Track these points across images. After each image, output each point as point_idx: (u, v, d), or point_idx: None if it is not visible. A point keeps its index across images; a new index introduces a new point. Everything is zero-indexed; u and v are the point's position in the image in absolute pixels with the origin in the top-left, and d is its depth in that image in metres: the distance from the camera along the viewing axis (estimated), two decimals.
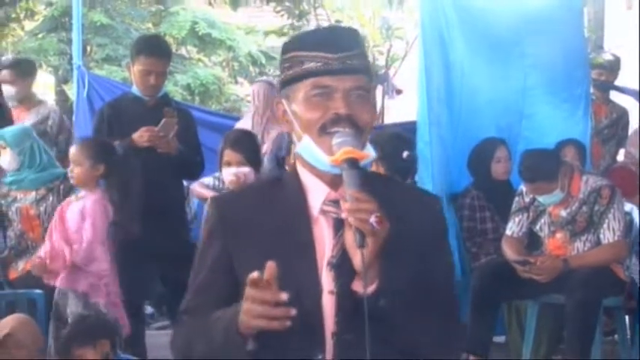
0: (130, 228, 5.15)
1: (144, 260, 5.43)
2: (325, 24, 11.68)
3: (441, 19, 6.20)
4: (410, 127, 6.34)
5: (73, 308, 4.85)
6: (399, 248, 2.07)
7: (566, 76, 6.53)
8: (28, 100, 6.83)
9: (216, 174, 5.57)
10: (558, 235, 5.46)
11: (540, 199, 5.42)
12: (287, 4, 11.66)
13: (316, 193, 2.15)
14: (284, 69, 2.19)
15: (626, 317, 5.80)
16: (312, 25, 11.80)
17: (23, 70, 6.79)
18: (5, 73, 6.65)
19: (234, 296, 2.10)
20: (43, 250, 5.09)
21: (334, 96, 2.12)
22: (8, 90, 6.63)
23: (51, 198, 5.67)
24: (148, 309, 6.81)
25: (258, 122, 6.69)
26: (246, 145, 5.01)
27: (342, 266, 2.07)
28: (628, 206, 5.82)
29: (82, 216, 4.93)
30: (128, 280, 5.40)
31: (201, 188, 5.76)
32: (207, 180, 5.71)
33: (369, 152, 2.13)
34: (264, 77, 8.53)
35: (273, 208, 2.18)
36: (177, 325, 2.32)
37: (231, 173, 4.87)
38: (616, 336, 5.93)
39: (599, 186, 5.35)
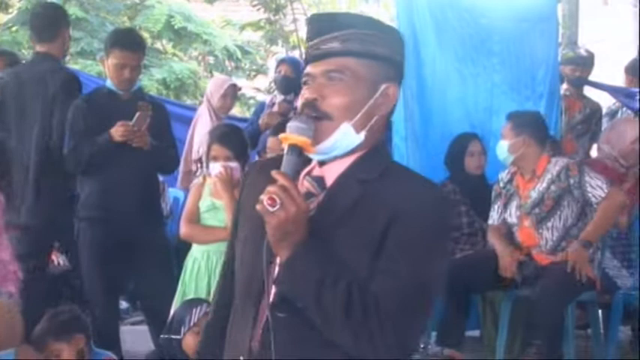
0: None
1: (118, 255, 5.41)
2: (302, 18, 11.67)
3: (414, 15, 6.22)
4: None
5: None
6: (365, 238, 2.04)
7: (528, 74, 6.59)
8: None
9: None
10: (526, 223, 5.51)
11: (500, 144, 5.53)
12: None
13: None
14: None
15: (600, 311, 5.85)
16: (288, 20, 11.78)
17: (10, 60, 6.67)
18: None
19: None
20: None
21: (309, 83, 2.15)
22: None
23: None
24: (123, 304, 6.79)
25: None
26: (234, 140, 4.99)
27: None
28: None
29: None
30: (103, 275, 5.40)
31: None
32: None
33: (305, 138, 2.06)
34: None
35: (266, 182, 2.17)
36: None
37: (219, 166, 4.86)
38: (589, 330, 5.97)
39: (567, 163, 5.46)
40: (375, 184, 2.11)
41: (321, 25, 2.17)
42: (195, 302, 4.45)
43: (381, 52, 2.17)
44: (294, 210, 1.99)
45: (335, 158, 2.14)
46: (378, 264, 2.03)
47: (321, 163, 2.16)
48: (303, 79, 2.17)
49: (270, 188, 2.00)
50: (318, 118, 2.10)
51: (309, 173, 2.17)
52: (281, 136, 2.10)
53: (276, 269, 2.08)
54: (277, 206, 1.98)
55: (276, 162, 2.13)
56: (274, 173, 2.02)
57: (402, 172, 2.20)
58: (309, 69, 2.16)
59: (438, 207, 2.11)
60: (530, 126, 5.53)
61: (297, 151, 2.07)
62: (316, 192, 2.13)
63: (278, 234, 2.01)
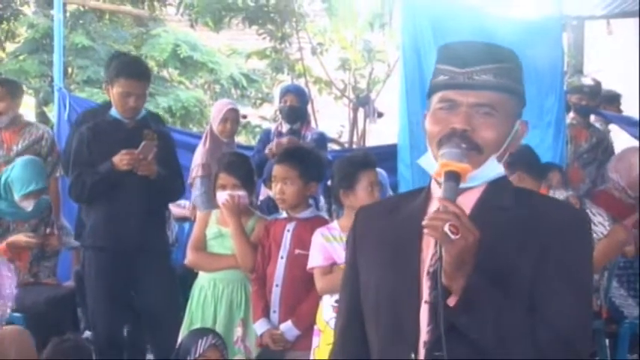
0: None
1: (124, 284, 5.40)
2: (307, 47, 11.68)
3: (419, 44, 6.22)
4: (391, 150, 6.35)
5: None
6: (520, 265, 2.04)
7: (536, 103, 6.56)
8: (16, 122, 6.71)
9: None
10: None
11: None
12: (269, 26, 11.63)
13: (434, 204, 2.10)
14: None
15: (607, 341, 5.82)
16: (294, 48, 11.80)
17: (12, 89, 6.70)
18: None
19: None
20: None
21: (457, 110, 2.10)
22: None
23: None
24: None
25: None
26: (241, 168, 5.00)
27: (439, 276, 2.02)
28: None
29: None
30: (107, 304, 5.38)
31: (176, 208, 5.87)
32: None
33: (467, 165, 2.05)
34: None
35: (396, 217, 2.17)
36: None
37: (226, 194, 4.86)
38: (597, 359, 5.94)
39: (567, 197, 5.44)
40: (515, 210, 2.11)
41: (480, 53, 2.16)
42: (202, 333, 4.43)
43: (519, 89, 2.19)
44: (473, 238, 1.94)
45: (468, 188, 2.12)
46: (540, 288, 2.03)
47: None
48: (442, 104, 2.12)
49: (444, 215, 1.93)
50: (468, 148, 2.09)
51: None
52: (441, 162, 2.05)
53: (423, 306, 2.05)
54: (460, 234, 1.92)
55: (379, 205, 2.36)
56: (442, 200, 1.97)
57: (535, 196, 2.25)
58: (453, 95, 2.12)
59: (586, 226, 2.16)
60: (522, 161, 5.45)
61: (455, 177, 2.03)
62: None
63: (456, 263, 1.95)
